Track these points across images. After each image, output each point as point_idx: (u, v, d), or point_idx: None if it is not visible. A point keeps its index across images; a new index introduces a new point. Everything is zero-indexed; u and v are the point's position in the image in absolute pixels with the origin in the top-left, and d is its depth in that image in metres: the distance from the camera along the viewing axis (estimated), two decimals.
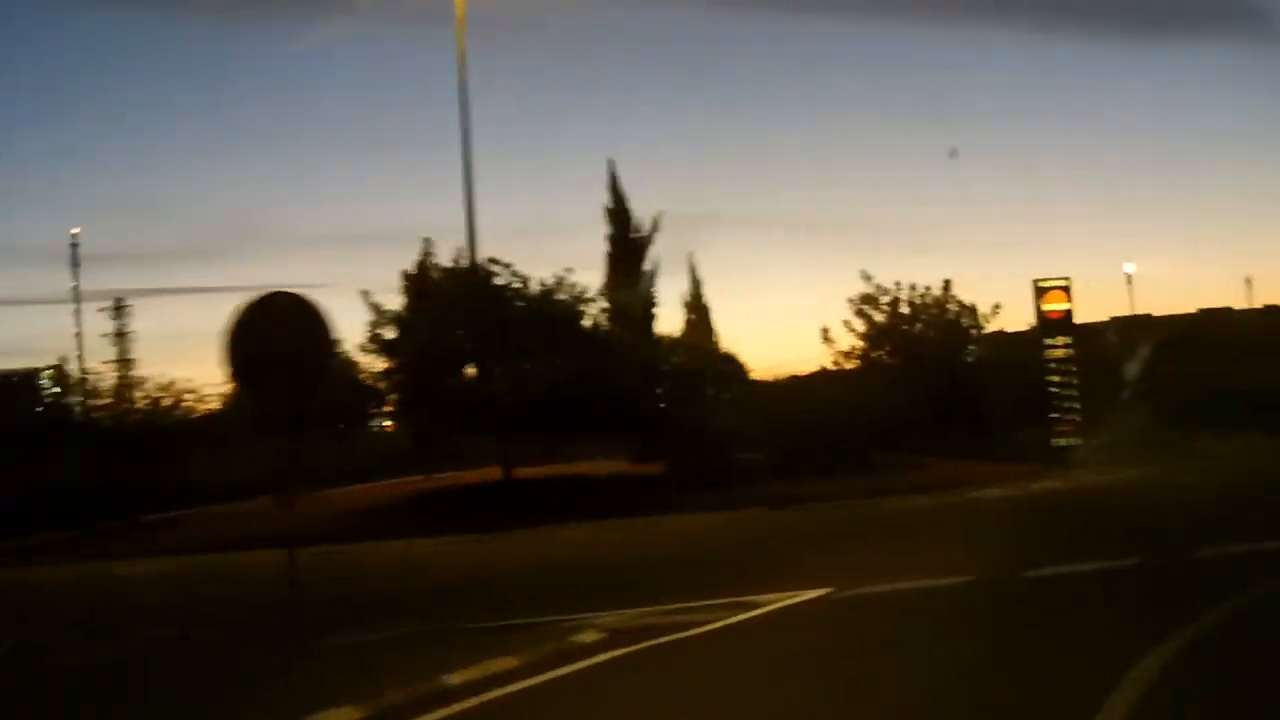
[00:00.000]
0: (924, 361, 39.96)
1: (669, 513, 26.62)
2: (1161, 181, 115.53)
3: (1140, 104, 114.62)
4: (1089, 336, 74.12)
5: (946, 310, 47.34)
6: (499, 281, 38.13)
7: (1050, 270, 60.16)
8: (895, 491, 27.26)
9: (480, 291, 36.57)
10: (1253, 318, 77.12)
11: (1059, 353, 57.43)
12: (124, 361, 65.03)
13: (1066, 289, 57.56)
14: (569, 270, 39.74)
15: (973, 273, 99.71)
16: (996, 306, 40.55)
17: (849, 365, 41.66)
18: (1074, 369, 57.25)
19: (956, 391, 37.31)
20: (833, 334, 45.29)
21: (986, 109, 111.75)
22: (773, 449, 31.95)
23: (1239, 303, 78.67)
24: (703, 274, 55.64)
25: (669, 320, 51.23)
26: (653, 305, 38.40)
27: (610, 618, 14.09)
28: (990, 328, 57.64)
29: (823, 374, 41.97)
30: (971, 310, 47.19)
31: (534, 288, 38.94)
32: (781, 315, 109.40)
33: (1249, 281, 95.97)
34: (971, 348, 39.28)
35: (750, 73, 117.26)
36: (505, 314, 36.00)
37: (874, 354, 42.53)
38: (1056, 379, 57.45)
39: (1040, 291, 57.43)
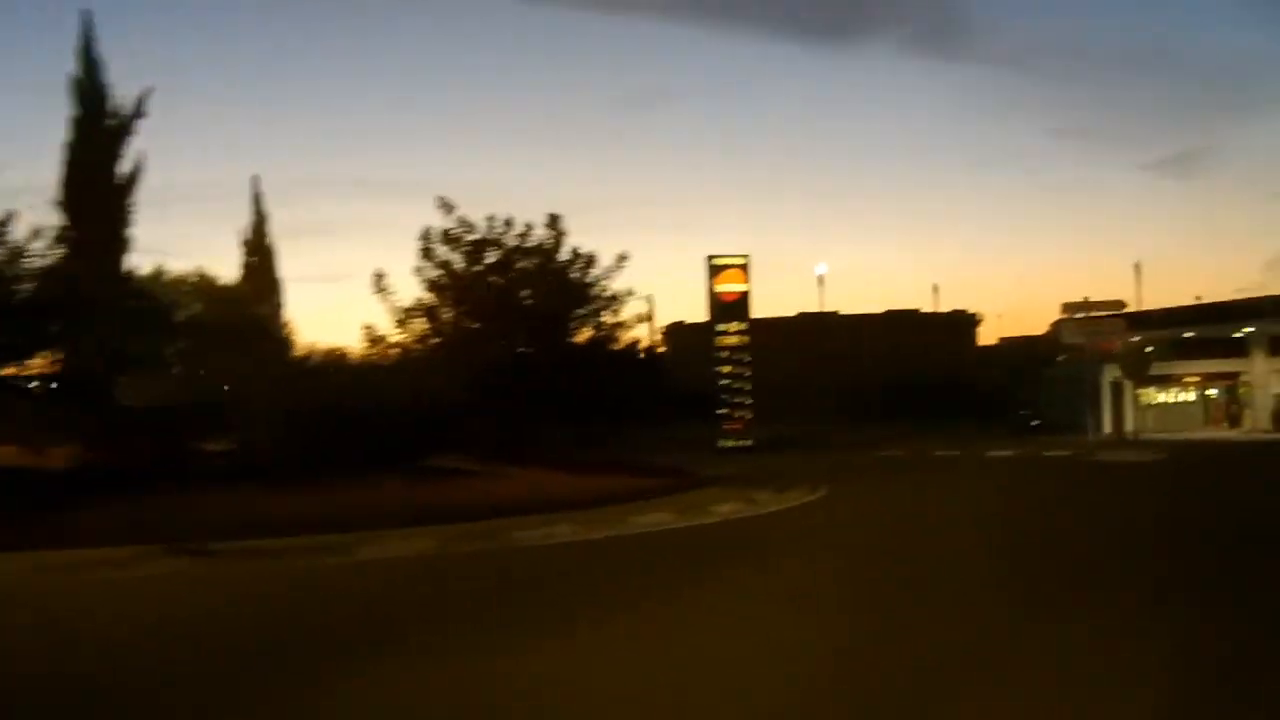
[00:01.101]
0: (516, 328, 26.89)
1: None
2: (856, 186, 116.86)
3: (835, 108, 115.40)
4: (779, 332, 68.59)
5: (555, 260, 29.43)
6: None
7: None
8: (387, 519, 15.53)
9: None
10: (933, 320, 74.02)
11: (732, 339, 50.24)
12: None
13: (744, 268, 50.47)
14: None
15: (658, 262, 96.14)
16: (646, 311, 28.16)
17: (408, 333, 27.51)
18: (748, 359, 50.18)
19: (576, 373, 25.60)
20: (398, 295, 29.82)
21: (679, 99, 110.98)
22: (282, 440, 20.45)
23: (927, 305, 76.13)
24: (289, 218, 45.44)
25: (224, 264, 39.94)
26: (125, 225, 23.42)
27: None
28: (669, 318, 49.77)
29: (386, 347, 27.23)
30: (587, 261, 29.33)
31: None
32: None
33: (935, 288, 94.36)
34: (603, 318, 26.58)
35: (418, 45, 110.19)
36: None
37: (445, 315, 27.78)
38: (727, 369, 50.16)
39: (715, 270, 50.09)
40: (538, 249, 28.66)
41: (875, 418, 60.43)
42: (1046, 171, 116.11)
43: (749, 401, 50.01)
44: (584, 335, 28.82)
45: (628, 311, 29.26)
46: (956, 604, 10.37)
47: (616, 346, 28.75)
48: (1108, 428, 55.30)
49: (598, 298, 28.47)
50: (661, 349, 54.54)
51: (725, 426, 49.61)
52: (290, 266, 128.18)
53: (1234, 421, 58.23)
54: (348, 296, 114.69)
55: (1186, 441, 45.71)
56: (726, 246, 51.54)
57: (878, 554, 14.41)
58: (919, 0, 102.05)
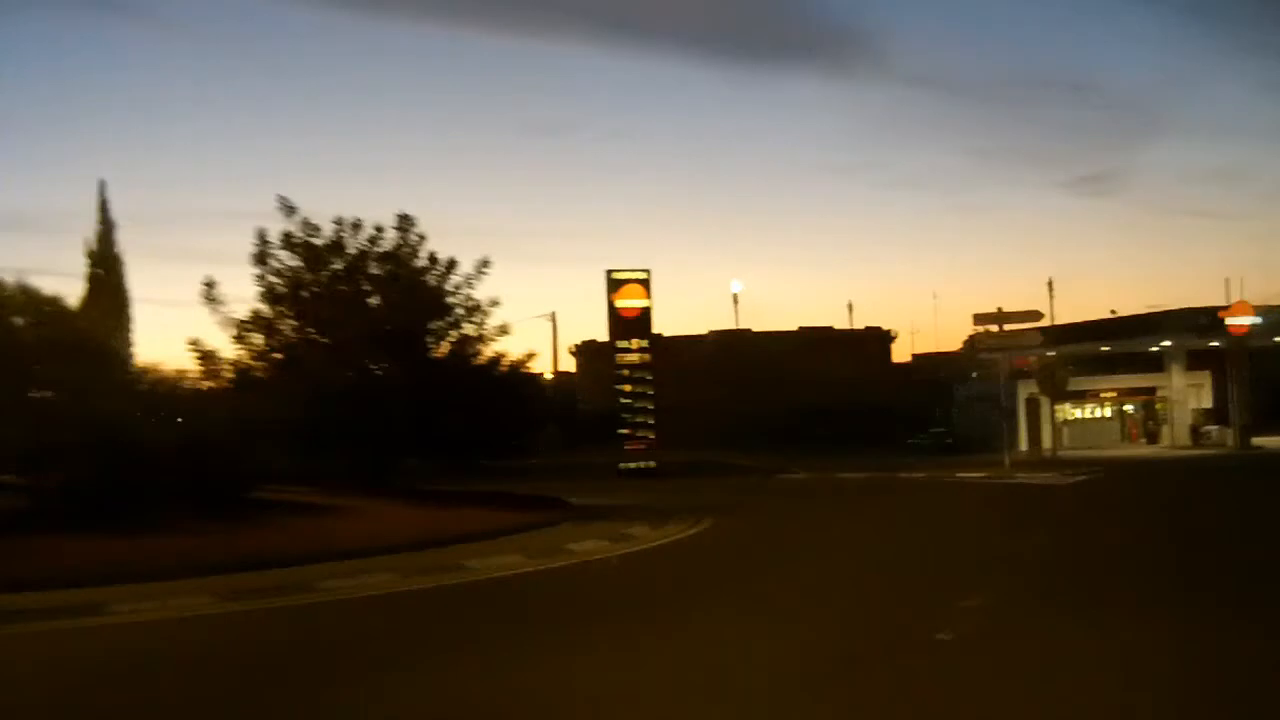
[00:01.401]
0: (366, 342, 23.14)
1: None
2: (774, 208, 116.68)
3: (748, 131, 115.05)
4: (691, 351, 66.33)
5: (413, 266, 26.28)
6: None
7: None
8: (175, 569, 12.31)
9: None
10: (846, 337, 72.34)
11: (633, 357, 47.69)
12: None
13: (645, 283, 47.94)
14: None
15: (573, 290, 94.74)
16: (503, 329, 24.40)
17: (246, 350, 23.61)
18: (650, 377, 47.69)
19: (440, 391, 22.33)
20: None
21: (589, 123, 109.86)
22: (87, 476, 16.97)
23: (842, 323, 74.50)
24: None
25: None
26: None
27: None
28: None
29: (219, 365, 23.53)
30: (446, 266, 26.21)
31: None
32: None
33: (850, 306, 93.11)
34: (465, 329, 22.82)
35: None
36: None
37: (286, 328, 24.03)
38: (629, 389, 47.61)
39: (614, 285, 47.52)
40: (391, 254, 25.69)
41: (790, 438, 58.30)
42: (964, 191, 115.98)
43: (651, 422, 47.49)
44: (443, 349, 25.84)
45: (495, 323, 26.34)
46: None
47: (479, 361, 25.68)
48: (1024, 445, 53.73)
49: (458, 308, 25.57)
50: (547, 372, 52.13)
51: (627, 448, 47.05)
52: (166, 292, 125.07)
53: (1152, 438, 56.96)
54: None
55: (1105, 459, 44.05)
56: (635, 264, 48.96)
57: (729, 609, 11.87)
58: (837, 22, 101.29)
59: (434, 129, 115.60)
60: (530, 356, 27.46)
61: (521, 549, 17.43)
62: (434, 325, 25.43)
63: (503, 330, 26.02)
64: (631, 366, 47.56)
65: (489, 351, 25.80)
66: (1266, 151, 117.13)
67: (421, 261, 25.55)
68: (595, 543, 18.34)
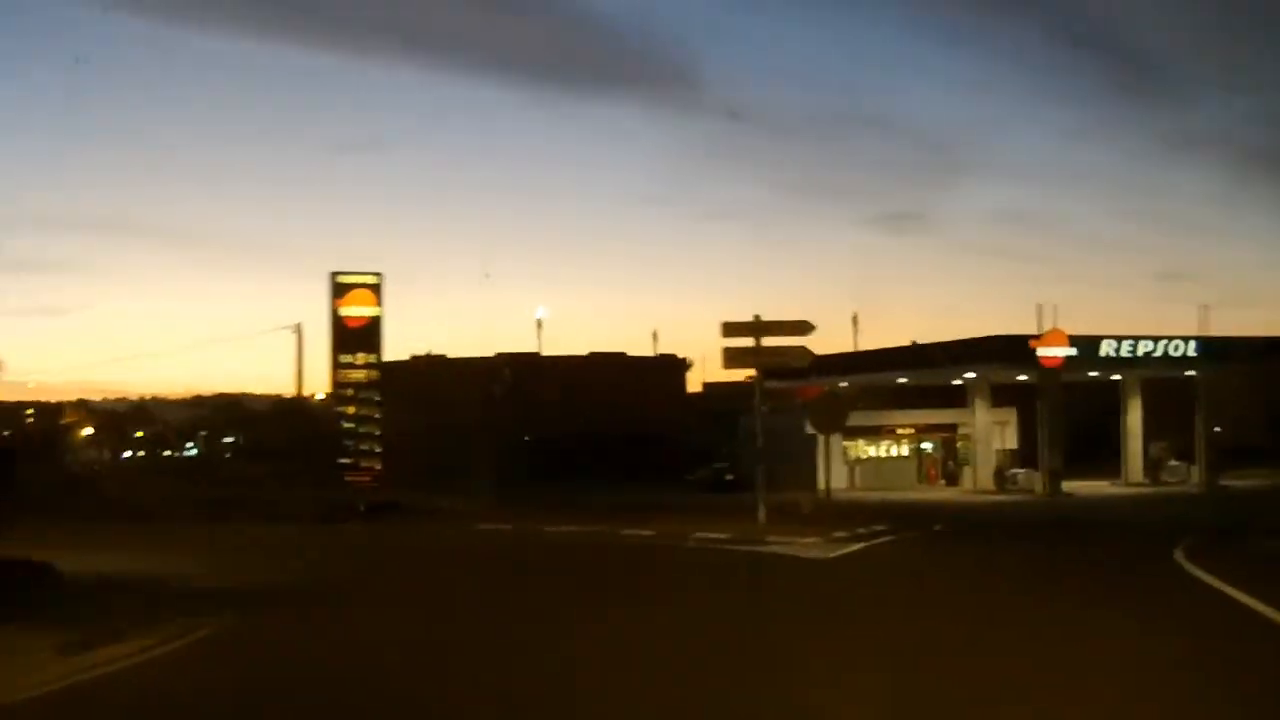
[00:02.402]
0: None
1: None
2: (583, 233, 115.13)
3: (565, 157, 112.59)
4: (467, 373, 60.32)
5: None
6: None
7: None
8: None
9: None
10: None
11: (359, 374, 41.10)
12: None
13: (376, 288, 41.49)
14: None
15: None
16: None
17: None
18: (378, 397, 41.23)
19: None
20: None
21: (399, 140, 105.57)
22: None
23: (647, 351, 69.53)
24: None
25: None
26: None
27: None
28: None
29: None
30: None
31: None
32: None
33: (655, 335, 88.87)
34: None
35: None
36: None
37: None
38: (351, 410, 41.04)
39: (340, 289, 40.98)
40: None
41: (561, 469, 52.43)
42: (774, 224, 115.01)
43: (378, 450, 41.00)
44: None
45: None
46: None
47: None
48: (821, 484, 48.60)
49: None
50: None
51: (348, 479, 40.44)
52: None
53: (951, 479, 52.21)
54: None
55: (898, 506, 38.91)
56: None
57: None
58: (656, 53, 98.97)
59: (240, 141, 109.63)
60: None
61: None
62: None
63: None
64: (356, 385, 41.02)
65: None
66: (1069, 196, 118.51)
67: None
68: None
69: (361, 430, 40.89)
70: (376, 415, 41.18)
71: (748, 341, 30.51)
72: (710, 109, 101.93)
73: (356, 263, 51.74)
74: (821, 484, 46.43)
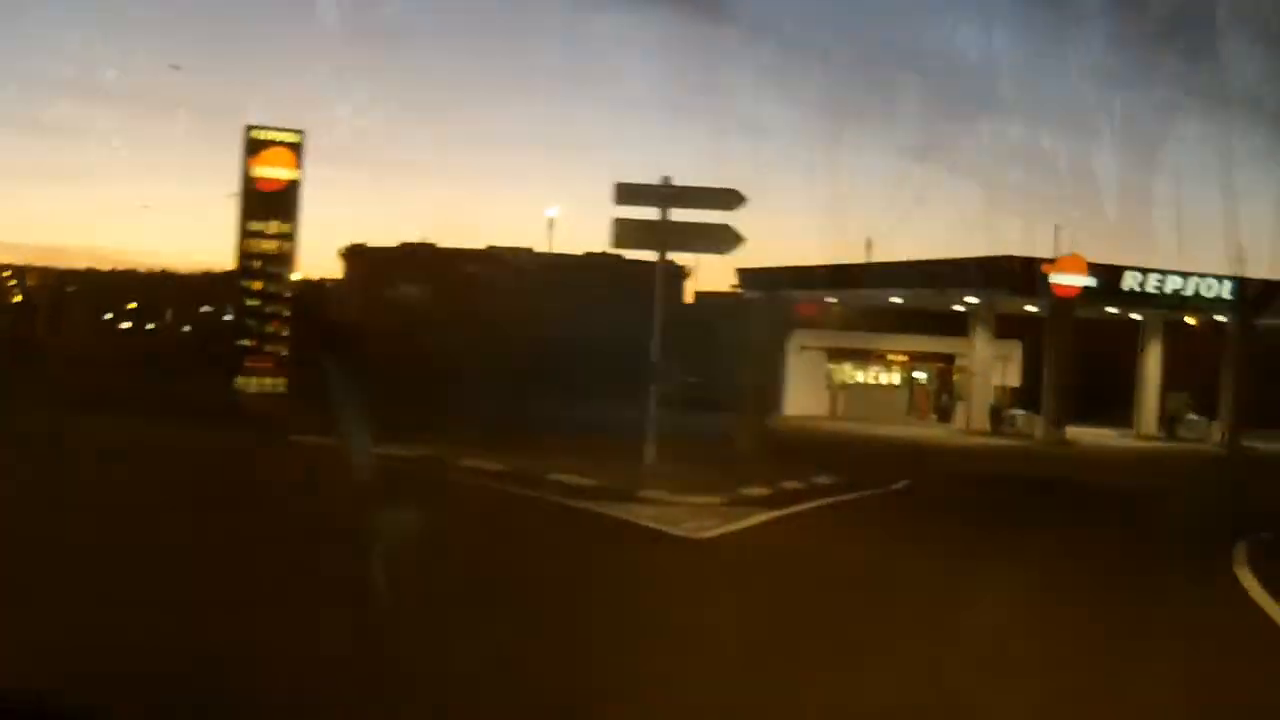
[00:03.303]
0: None
1: None
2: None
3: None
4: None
5: None
6: None
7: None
8: None
9: None
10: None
11: (270, 245, 35.82)
12: None
13: (296, 148, 35.90)
14: None
15: None
16: None
17: None
18: (289, 274, 35.99)
19: None
20: None
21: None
22: None
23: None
24: None
25: None
26: None
27: None
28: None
29: None
30: None
31: None
32: None
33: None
34: None
35: None
36: None
37: None
38: (258, 285, 35.84)
39: (253, 146, 35.49)
40: None
41: (520, 386, 47.44)
42: (792, 146, 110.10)
43: (286, 332, 35.86)
44: None
45: None
46: None
47: None
48: (787, 411, 43.62)
49: None
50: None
51: (248, 364, 35.40)
52: None
53: (944, 415, 47.00)
54: None
55: (877, 444, 33.84)
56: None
57: None
58: None
59: None
60: None
61: None
62: None
63: None
64: (266, 256, 35.76)
65: None
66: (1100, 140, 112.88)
67: None
68: None
69: (268, 310, 35.71)
70: (288, 294, 35.98)
71: (651, 213, 22.37)
72: (739, 22, 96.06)
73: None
74: (788, 411, 41.29)
